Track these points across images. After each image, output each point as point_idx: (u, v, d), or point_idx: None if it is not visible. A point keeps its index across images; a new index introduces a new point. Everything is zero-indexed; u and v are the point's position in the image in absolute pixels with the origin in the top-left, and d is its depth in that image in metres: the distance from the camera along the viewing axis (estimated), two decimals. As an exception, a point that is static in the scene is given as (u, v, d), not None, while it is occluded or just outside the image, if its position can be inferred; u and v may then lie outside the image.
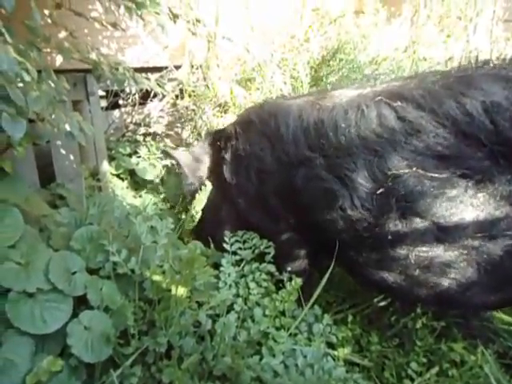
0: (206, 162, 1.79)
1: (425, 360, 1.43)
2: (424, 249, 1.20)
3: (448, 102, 1.12)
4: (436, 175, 1.12)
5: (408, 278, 1.27)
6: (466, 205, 1.12)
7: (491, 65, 1.20)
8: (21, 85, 1.13)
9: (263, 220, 1.58)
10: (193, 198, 1.76)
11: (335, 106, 1.33)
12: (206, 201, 1.71)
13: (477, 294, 1.23)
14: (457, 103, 1.11)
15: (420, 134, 1.14)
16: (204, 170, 1.77)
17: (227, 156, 1.62)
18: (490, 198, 1.10)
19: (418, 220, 1.18)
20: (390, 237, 1.22)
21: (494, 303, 1.29)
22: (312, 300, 1.35)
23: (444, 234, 1.16)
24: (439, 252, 1.19)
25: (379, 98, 1.24)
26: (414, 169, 1.14)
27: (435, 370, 1.37)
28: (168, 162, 2.61)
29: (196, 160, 1.81)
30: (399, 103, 1.19)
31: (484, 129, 1.07)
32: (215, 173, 1.71)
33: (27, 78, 1.11)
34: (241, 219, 1.64)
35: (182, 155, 1.84)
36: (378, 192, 1.19)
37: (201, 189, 1.70)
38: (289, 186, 1.41)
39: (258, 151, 1.49)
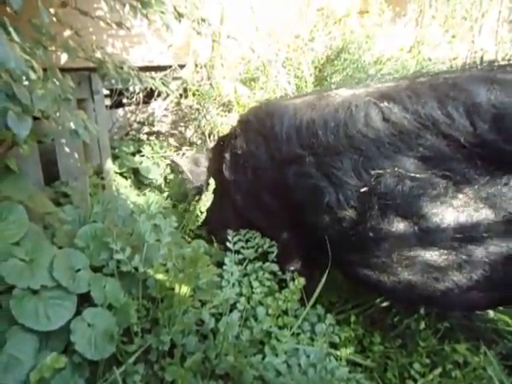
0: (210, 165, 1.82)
1: (428, 361, 1.43)
2: (405, 248, 1.21)
3: (431, 103, 1.13)
4: (416, 175, 1.14)
5: (391, 277, 1.28)
6: (447, 206, 1.13)
7: (479, 67, 1.21)
8: (26, 83, 1.14)
9: (259, 217, 1.60)
10: (198, 198, 1.77)
11: (328, 106, 1.36)
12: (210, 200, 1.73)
13: (460, 294, 1.23)
14: (439, 104, 1.12)
15: (403, 134, 1.16)
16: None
17: (227, 155, 1.66)
18: (469, 199, 1.11)
19: (398, 219, 1.20)
20: (371, 234, 1.24)
21: (478, 303, 1.30)
22: (313, 299, 1.35)
23: (425, 234, 1.18)
24: (420, 252, 1.20)
25: (368, 98, 1.26)
26: (396, 168, 1.16)
27: (438, 370, 1.37)
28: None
29: (199, 165, 1.84)
30: (386, 104, 1.21)
31: (464, 130, 1.08)
32: (218, 171, 1.73)
33: (33, 77, 1.11)
34: (239, 217, 1.66)
35: (184, 161, 1.87)
36: (362, 190, 1.22)
37: (206, 190, 1.71)
38: (281, 182, 1.43)
39: (254, 149, 1.53)
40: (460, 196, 1.12)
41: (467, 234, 1.13)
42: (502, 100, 1.05)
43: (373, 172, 1.20)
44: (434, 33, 3.04)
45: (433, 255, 1.19)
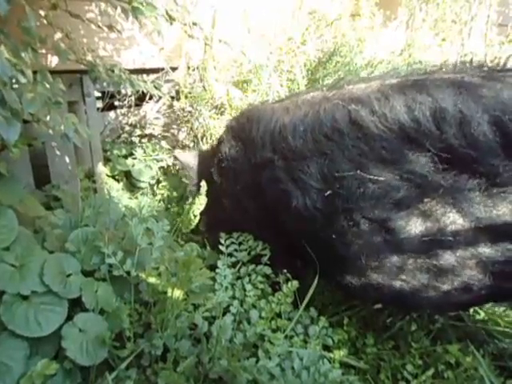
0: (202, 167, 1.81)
1: (420, 362, 1.43)
2: (373, 250, 1.21)
3: (399, 106, 1.13)
4: (378, 178, 1.14)
5: (361, 279, 1.29)
6: (412, 209, 1.13)
7: (445, 69, 1.22)
8: (16, 86, 1.13)
9: (241, 220, 1.61)
10: (192, 200, 1.77)
11: (300, 110, 1.36)
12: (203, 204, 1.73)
13: (429, 297, 1.24)
14: (407, 108, 1.11)
15: (367, 137, 1.16)
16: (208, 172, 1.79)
17: (215, 159, 1.67)
18: (435, 203, 1.11)
19: (363, 221, 1.20)
20: (334, 236, 1.24)
21: (447, 306, 1.32)
22: (305, 302, 1.35)
23: (391, 236, 1.18)
24: (388, 254, 1.20)
25: (337, 101, 1.26)
26: (358, 171, 1.16)
27: (431, 372, 1.37)
28: (164, 163, 2.61)
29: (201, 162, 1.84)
30: (354, 106, 1.20)
31: (429, 135, 1.08)
32: (210, 174, 1.73)
33: (23, 80, 1.10)
34: (228, 219, 1.67)
35: (186, 157, 1.87)
36: (326, 194, 1.23)
37: (198, 193, 1.71)
38: (257, 187, 1.45)
39: (235, 153, 1.55)
40: (425, 200, 1.12)
41: (434, 238, 1.13)
42: (468, 105, 1.04)
43: (337, 175, 1.20)
44: (425, 36, 3.06)
45: (401, 258, 1.19)
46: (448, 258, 1.15)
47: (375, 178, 1.14)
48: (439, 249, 1.15)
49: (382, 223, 1.17)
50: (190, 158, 1.86)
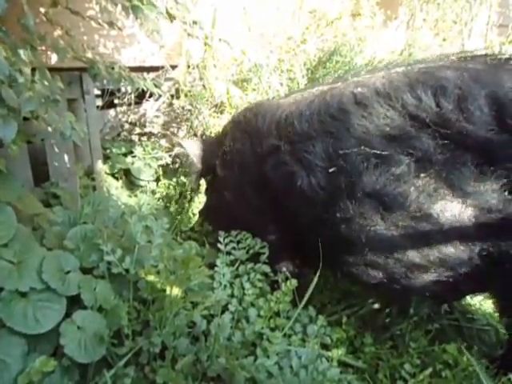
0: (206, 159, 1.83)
1: (418, 361, 1.43)
2: (372, 228, 1.25)
3: (403, 87, 1.18)
4: (381, 152, 1.19)
5: (362, 260, 1.32)
6: (409, 185, 1.17)
7: (453, 58, 1.25)
8: (14, 84, 1.12)
9: (244, 213, 1.64)
10: (193, 194, 1.78)
11: (306, 99, 1.42)
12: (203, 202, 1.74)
13: (418, 277, 1.27)
14: (409, 88, 1.17)
15: (372, 116, 1.21)
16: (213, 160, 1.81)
17: (219, 150, 1.71)
18: (430, 178, 1.15)
19: (363, 197, 1.24)
20: (339, 215, 1.28)
21: (435, 289, 1.31)
22: (304, 300, 1.35)
23: (388, 212, 1.22)
24: (383, 231, 1.24)
25: (343, 87, 1.32)
26: (362, 147, 1.21)
27: (428, 371, 1.37)
28: (163, 161, 2.61)
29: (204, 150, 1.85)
30: (359, 90, 1.26)
31: (430, 111, 1.13)
32: (213, 166, 1.77)
33: (21, 80, 1.10)
34: (230, 213, 1.69)
35: (191, 144, 1.89)
36: (330, 171, 1.27)
37: (197, 190, 1.71)
38: (261, 177, 1.49)
39: (240, 146, 1.60)
40: (422, 175, 1.15)
41: (424, 213, 1.16)
42: (467, 83, 1.09)
43: (341, 152, 1.25)
44: (425, 36, 3.07)
45: (395, 235, 1.23)
46: (435, 235, 1.17)
47: (379, 152, 1.18)
48: (427, 223, 1.17)
49: (381, 199, 1.21)
50: (194, 146, 1.89)
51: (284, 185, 1.41)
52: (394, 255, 1.26)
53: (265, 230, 1.59)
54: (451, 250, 1.19)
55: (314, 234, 1.40)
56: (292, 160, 1.37)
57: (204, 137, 2.57)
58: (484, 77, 1.09)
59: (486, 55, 1.20)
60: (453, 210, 1.14)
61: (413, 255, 1.24)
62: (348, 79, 1.40)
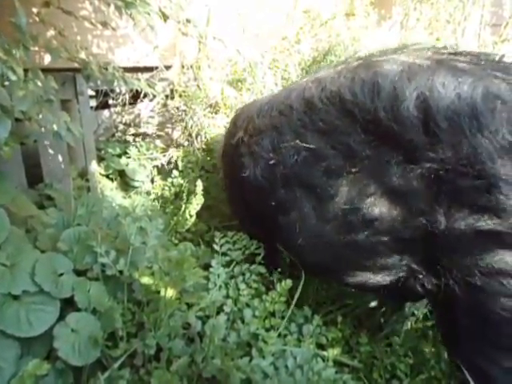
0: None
1: (413, 361, 1.44)
2: (305, 218, 1.28)
3: (345, 82, 1.18)
4: (310, 146, 1.22)
5: (298, 247, 1.34)
6: (341, 178, 1.18)
7: (403, 51, 1.25)
8: (7, 83, 1.11)
9: (238, 210, 1.76)
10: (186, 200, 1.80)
11: (274, 96, 1.50)
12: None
13: (346, 270, 1.29)
14: (351, 83, 1.17)
15: (311, 111, 1.24)
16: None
17: (222, 147, 1.85)
18: (360, 174, 1.15)
19: (296, 188, 1.28)
20: (274, 203, 1.35)
21: (368, 287, 1.29)
22: (295, 298, 1.35)
23: (319, 205, 1.24)
24: (314, 221, 1.26)
25: (301, 84, 1.35)
26: (297, 141, 1.25)
27: (423, 370, 1.38)
28: (158, 162, 2.60)
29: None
30: (310, 85, 1.29)
31: (363, 107, 1.12)
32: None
33: (13, 78, 1.09)
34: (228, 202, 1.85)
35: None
36: (270, 163, 1.34)
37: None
38: (234, 166, 1.57)
39: (230, 139, 1.67)
40: (353, 170, 1.16)
41: (353, 207, 1.16)
42: (402, 82, 1.06)
43: (281, 145, 1.31)
44: (419, 35, 3.08)
45: (326, 227, 1.24)
46: (363, 229, 1.16)
47: (307, 146, 1.23)
48: (356, 217, 1.16)
49: (312, 190, 1.24)
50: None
51: (240, 176, 1.49)
52: (327, 247, 1.28)
53: (244, 219, 1.71)
54: (382, 248, 1.16)
55: (263, 222, 1.48)
56: (246, 151, 1.46)
57: (199, 137, 2.57)
58: (421, 75, 1.05)
59: (440, 52, 1.17)
60: (381, 207, 1.12)
61: (344, 250, 1.24)
62: (318, 73, 1.40)
